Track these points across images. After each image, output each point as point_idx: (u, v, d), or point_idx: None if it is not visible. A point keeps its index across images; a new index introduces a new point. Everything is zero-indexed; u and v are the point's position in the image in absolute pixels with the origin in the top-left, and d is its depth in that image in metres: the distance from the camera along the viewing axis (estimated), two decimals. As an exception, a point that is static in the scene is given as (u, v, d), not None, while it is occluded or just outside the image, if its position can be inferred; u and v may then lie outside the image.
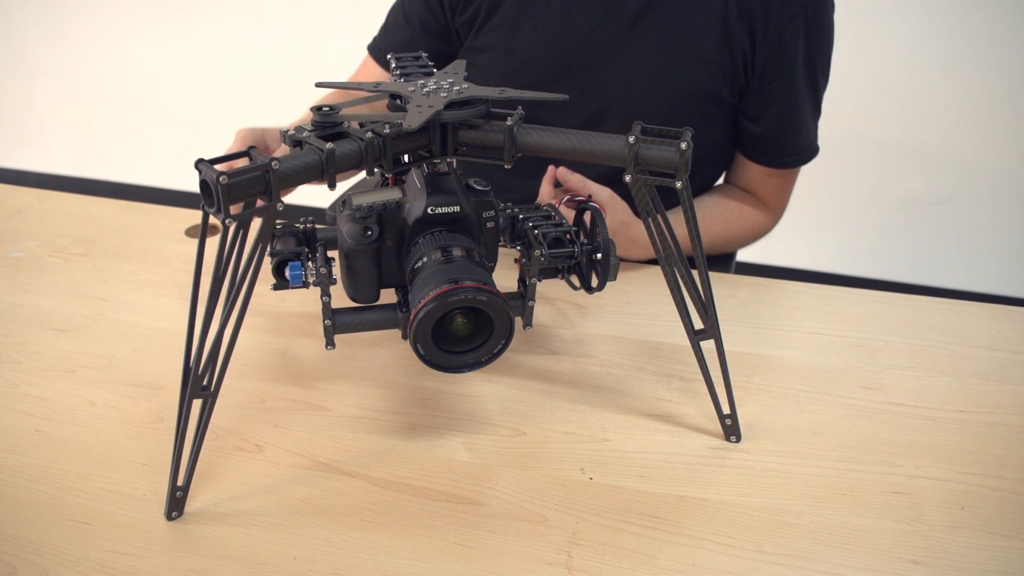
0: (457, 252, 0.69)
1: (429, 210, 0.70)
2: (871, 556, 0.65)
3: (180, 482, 0.66)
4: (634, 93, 1.03)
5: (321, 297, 0.73)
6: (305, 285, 0.74)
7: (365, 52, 1.20)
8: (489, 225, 0.74)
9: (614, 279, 0.75)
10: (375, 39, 1.19)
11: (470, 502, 0.69)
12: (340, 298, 0.75)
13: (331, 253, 0.75)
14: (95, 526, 0.67)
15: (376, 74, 1.17)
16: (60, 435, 0.76)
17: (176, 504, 0.67)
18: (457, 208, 0.70)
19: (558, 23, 1.03)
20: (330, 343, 0.74)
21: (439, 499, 0.69)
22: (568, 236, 0.77)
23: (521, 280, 0.78)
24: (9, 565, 0.63)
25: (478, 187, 0.74)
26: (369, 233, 0.71)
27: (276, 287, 0.75)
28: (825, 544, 0.66)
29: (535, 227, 0.77)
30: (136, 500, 0.69)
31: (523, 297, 0.77)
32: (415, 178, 0.72)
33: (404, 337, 0.75)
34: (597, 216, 0.76)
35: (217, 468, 0.72)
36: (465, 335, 0.68)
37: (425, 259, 0.69)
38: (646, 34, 1.01)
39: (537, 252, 0.74)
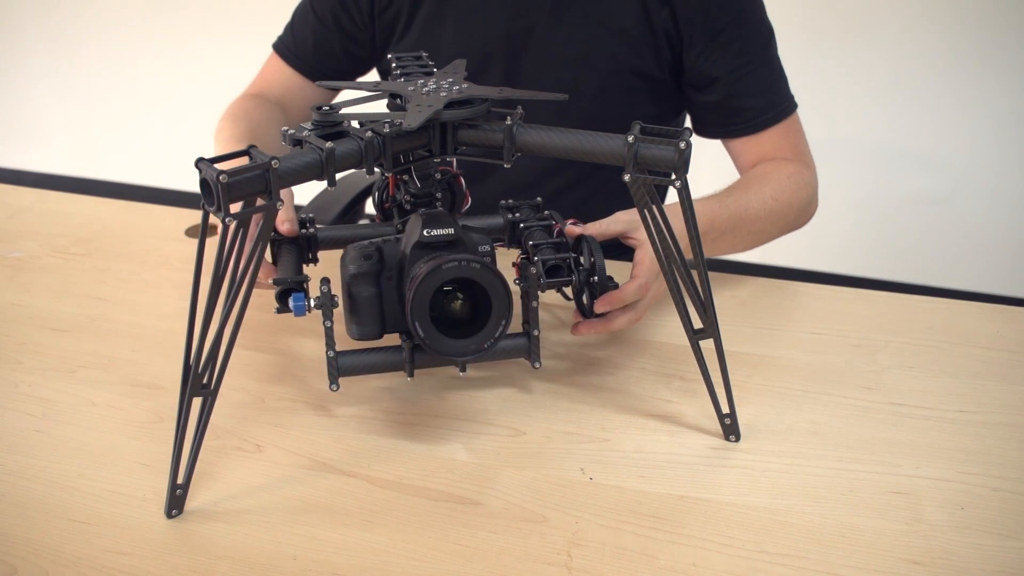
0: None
1: (425, 232, 0.70)
2: (871, 556, 0.65)
3: (180, 480, 0.67)
4: (560, 78, 1.04)
5: (324, 322, 0.73)
6: (308, 310, 0.74)
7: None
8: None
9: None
10: (281, 37, 1.14)
11: (470, 502, 0.69)
12: (343, 339, 0.75)
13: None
14: (95, 526, 0.67)
15: (285, 74, 1.12)
16: (60, 435, 0.76)
17: (176, 502, 0.67)
18: (451, 231, 0.71)
19: (478, 16, 1.03)
20: (334, 383, 0.74)
21: (439, 499, 0.69)
22: (567, 262, 0.77)
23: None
24: (9, 565, 0.63)
25: (473, 227, 0.75)
26: (371, 257, 0.72)
27: (279, 311, 0.76)
28: (825, 544, 0.66)
29: (535, 247, 0.78)
30: (136, 500, 0.69)
31: (528, 336, 0.76)
32: (413, 220, 0.73)
33: (409, 375, 0.75)
34: (592, 244, 0.77)
35: (217, 468, 0.72)
36: (465, 318, 0.69)
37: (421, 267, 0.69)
38: (565, 18, 1.02)
39: (536, 283, 0.75)
